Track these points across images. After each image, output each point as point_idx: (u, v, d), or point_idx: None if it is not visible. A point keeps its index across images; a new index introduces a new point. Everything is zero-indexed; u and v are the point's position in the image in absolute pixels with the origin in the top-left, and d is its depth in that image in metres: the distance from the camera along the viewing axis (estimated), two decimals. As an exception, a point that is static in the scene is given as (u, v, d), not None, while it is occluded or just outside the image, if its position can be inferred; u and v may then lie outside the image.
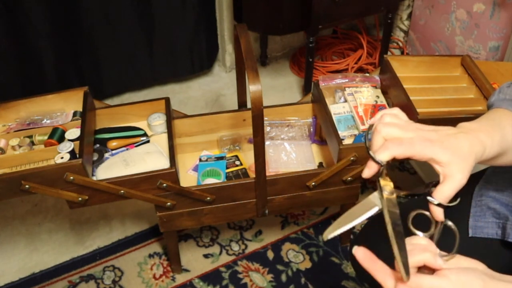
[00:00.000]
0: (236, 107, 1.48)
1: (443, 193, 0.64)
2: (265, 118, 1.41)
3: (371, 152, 0.67)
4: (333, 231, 0.65)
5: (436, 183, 0.66)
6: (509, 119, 0.74)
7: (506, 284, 0.60)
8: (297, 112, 1.47)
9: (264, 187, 1.25)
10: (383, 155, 0.65)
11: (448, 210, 0.92)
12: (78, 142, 1.19)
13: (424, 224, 0.66)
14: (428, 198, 0.65)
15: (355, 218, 0.65)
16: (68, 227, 1.63)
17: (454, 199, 0.65)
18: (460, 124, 0.71)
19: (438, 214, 0.65)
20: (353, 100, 1.39)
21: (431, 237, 0.65)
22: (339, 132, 1.28)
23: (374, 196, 0.66)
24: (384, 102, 1.39)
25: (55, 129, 1.26)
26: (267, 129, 1.45)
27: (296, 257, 1.54)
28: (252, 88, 1.05)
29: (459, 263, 0.62)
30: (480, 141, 0.67)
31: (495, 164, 0.74)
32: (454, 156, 0.64)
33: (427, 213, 0.66)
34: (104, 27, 1.81)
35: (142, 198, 1.21)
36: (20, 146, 1.23)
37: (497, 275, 0.61)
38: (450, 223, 0.65)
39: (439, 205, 0.65)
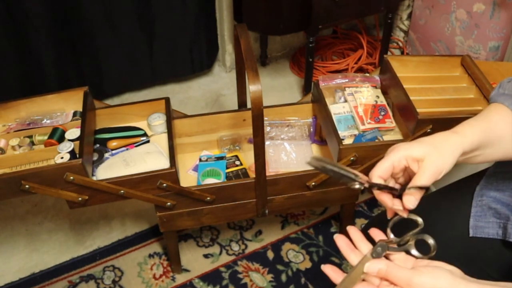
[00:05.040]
0: (236, 107, 1.48)
1: (414, 184, 0.69)
2: (265, 118, 1.41)
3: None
4: None
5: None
6: (499, 112, 0.76)
7: (480, 285, 0.61)
8: (297, 112, 1.47)
9: (264, 187, 1.25)
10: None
11: (448, 210, 0.92)
12: (78, 142, 1.20)
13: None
14: (409, 187, 0.69)
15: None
16: (68, 227, 1.63)
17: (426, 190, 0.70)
18: None
19: (409, 204, 0.69)
20: (353, 100, 1.39)
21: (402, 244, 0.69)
22: (339, 132, 1.28)
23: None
24: (384, 102, 1.39)
25: (55, 129, 1.26)
26: (267, 129, 1.45)
27: (296, 257, 1.54)
28: (252, 88, 1.05)
29: (433, 263, 0.65)
30: (453, 131, 0.72)
31: (491, 157, 0.76)
32: (427, 146, 0.69)
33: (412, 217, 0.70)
34: (104, 27, 1.81)
35: (142, 198, 1.21)
36: (20, 146, 1.23)
37: (473, 279, 0.63)
38: (427, 237, 0.68)
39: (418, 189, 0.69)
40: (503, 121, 0.76)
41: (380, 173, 0.71)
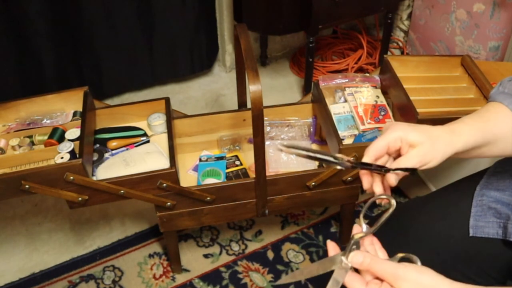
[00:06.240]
0: (236, 107, 1.48)
1: (406, 162, 0.70)
2: (265, 118, 1.41)
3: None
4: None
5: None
6: (498, 112, 0.77)
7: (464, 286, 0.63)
8: (297, 112, 1.47)
9: (264, 187, 1.25)
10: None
11: (448, 210, 0.92)
12: (78, 142, 1.20)
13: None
14: (393, 168, 0.71)
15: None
16: (68, 227, 1.63)
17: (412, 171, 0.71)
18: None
19: (393, 180, 0.71)
20: (353, 100, 1.39)
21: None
22: (339, 132, 1.28)
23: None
24: (384, 102, 1.39)
25: (55, 129, 1.26)
26: (267, 129, 1.45)
27: (296, 257, 1.54)
28: (252, 88, 1.05)
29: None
30: (451, 129, 0.73)
31: (488, 153, 0.77)
32: (424, 136, 0.71)
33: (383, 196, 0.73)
34: (104, 27, 1.81)
35: (142, 198, 1.21)
36: (20, 146, 1.24)
37: (457, 282, 0.65)
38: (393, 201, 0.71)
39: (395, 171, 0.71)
40: (502, 121, 0.76)
41: (375, 152, 0.72)
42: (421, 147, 0.71)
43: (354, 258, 0.65)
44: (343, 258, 0.67)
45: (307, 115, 1.47)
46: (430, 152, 0.71)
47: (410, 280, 0.62)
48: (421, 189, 1.70)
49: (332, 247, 0.69)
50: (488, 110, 0.78)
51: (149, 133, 1.38)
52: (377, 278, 0.65)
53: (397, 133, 0.71)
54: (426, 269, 0.64)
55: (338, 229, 1.60)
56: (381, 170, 0.72)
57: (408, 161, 0.71)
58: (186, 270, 1.51)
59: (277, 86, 2.16)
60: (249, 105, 1.36)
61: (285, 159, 1.42)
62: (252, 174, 1.31)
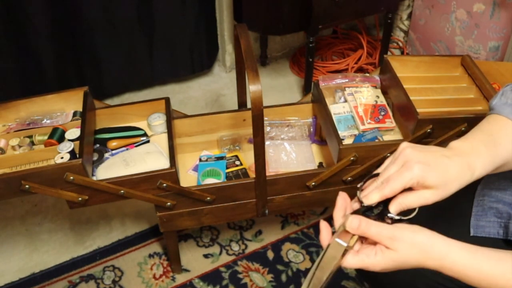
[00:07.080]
0: (236, 107, 1.48)
1: (405, 201, 0.67)
2: (265, 118, 1.41)
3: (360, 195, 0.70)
4: None
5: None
6: (507, 131, 0.73)
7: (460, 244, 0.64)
8: (297, 112, 1.47)
9: (264, 187, 1.25)
10: (373, 197, 0.68)
11: (449, 210, 0.91)
12: (78, 142, 1.20)
13: None
14: (390, 214, 0.67)
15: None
16: (68, 227, 1.63)
17: (410, 212, 0.68)
18: (452, 145, 0.72)
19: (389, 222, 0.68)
20: (353, 100, 1.39)
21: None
22: (339, 132, 1.28)
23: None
24: (384, 102, 1.39)
25: (55, 129, 1.26)
26: (267, 129, 1.45)
27: (296, 257, 1.54)
28: (252, 88, 1.05)
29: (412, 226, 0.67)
30: (469, 165, 0.69)
31: (493, 173, 0.75)
32: (441, 180, 0.66)
33: None
34: (104, 27, 1.81)
35: (142, 198, 1.21)
36: (20, 146, 1.24)
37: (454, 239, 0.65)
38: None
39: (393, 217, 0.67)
40: (511, 141, 0.72)
41: (390, 195, 0.67)
42: (436, 192, 0.66)
43: (352, 223, 0.64)
44: (338, 239, 0.66)
45: (307, 115, 1.47)
46: (442, 194, 0.67)
47: (406, 240, 0.63)
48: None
49: (325, 227, 0.68)
50: (498, 131, 0.73)
51: (149, 133, 1.38)
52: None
53: (415, 173, 0.65)
54: (421, 228, 0.65)
55: (338, 229, 1.60)
56: (385, 217, 0.67)
57: (418, 201, 0.67)
58: (186, 270, 1.51)
59: (277, 86, 2.16)
60: (249, 105, 1.36)
61: (285, 159, 1.42)
62: (252, 174, 1.31)
